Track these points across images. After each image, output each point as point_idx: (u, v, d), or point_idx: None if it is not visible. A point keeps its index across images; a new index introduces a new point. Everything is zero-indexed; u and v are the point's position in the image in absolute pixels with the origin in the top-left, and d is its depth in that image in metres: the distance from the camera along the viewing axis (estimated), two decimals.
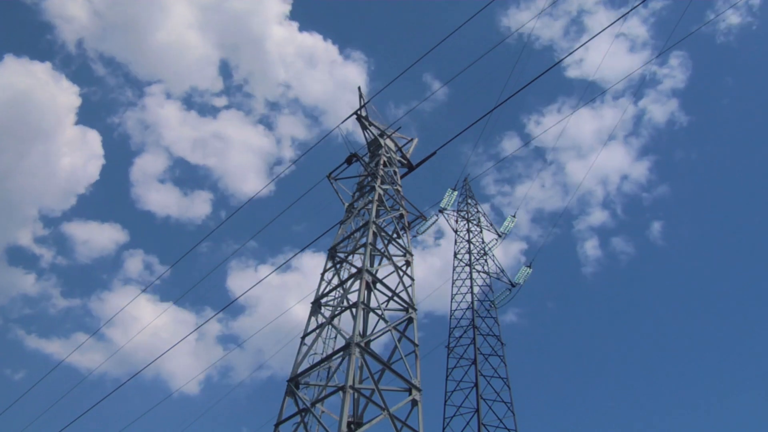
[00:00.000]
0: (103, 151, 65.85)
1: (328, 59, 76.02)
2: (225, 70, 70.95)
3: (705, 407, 57.73)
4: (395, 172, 22.83)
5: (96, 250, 67.16)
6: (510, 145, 74.57)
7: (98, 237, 67.87)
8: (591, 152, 70.90)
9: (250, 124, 74.64)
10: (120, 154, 70.76)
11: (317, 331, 16.04)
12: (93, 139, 65.72)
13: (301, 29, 77.07)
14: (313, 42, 76.19)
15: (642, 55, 68.89)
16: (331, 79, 75.94)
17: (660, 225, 68.98)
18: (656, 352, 63.43)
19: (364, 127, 24.12)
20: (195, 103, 70.93)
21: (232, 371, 62.72)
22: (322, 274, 18.03)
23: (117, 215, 71.44)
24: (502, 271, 35.50)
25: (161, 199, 69.97)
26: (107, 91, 68.72)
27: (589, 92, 71.75)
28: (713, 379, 59.21)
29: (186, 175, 71.80)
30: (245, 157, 73.84)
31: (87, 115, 68.44)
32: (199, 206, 71.92)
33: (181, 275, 69.74)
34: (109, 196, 70.92)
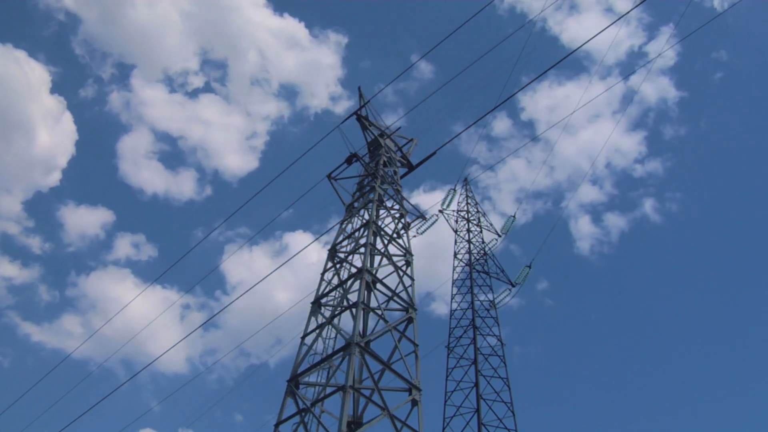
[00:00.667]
0: (76, 127, 65.74)
1: (303, 40, 76.27)
2: (203, 50, 70.86)
3: (709, 396, 57.42)
4: (395, 172, 22.83)
5: (83, 232, 67.34)
6: (502, 125, 74.51)
7: (84, 218, 67.99)
8: (580, 129, 70.56)
9: (229, 104, 74.63)
10: (99, 133, 70.95)
11: (317, 331, 16.04)
12: (67, 119, 65.47)
13: (275, 11, 77.49)
14: (289, 23, 76.57)
15: (629, 28, 68.52)
16: (307, 59, 76.34)
17: (652, 200, 68.90)
18: (657, 338, 63.22)
19: (364, 127, 24.10)
20: (172, 84, 70.78)
21: (216, 353, 63.33)
22: (322, 274, 18.04)
23: (100, 195, 71.18)
24: (502, 271, 35.50)
25: (146, 178, 70.00)
26: (83, 71, 68.65)
27: (579, 67, 71.14)
28: (716, 366, 58.95)
29: (169, 153, 71.87)
30: (225, 135, 74.19)
31: (63, 95, 68.29)
32: (183, 184, 71.95)
33: (169, 256, 70.07)
34: (90, 176, 70.94)
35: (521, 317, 60.74)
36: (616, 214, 70.83)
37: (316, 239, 20.52)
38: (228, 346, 64.18)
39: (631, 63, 66.58)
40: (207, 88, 72.71)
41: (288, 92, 75.94)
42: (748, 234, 64.98)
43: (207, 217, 73.78)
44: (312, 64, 75.85)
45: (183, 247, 72.47)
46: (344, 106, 76.70)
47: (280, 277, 66.81)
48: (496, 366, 28.66)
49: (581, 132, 70.38)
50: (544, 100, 75.37)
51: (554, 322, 66.89)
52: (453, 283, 33.46)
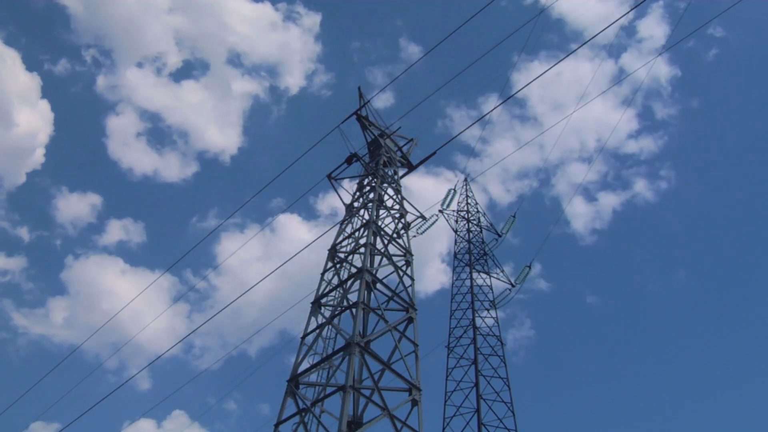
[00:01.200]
0: (52, 106, 65.26)
1: (277, 20, 76.23)
2: (181, 33, 70.70)
3: (706, 380, 57.14)
4: (395, 172, 22.83)
5: (70, 215, 67.15)
6: (493, 103, 73.96)
7: (71, 201, 67.58)
8: (569, 108, 69.78)
9: (209, 84, 74.47)
10: (78, 114, 70.75)
11: (317, 331, 16.04)
12: (44, 106, 64.99)
13: None
14: (263, 6, 76.91)
15: (615, 1, 67.86)
16: (282, 39, 76.46)
17: (645, 178, 68.37)
18: (656, 322, 62.75)
19: (364, 127, 24.11)
20: (152, 65, 70.36)
21: (202, 336, 63.67)
22: (322, 274, 18.04)
23: (85, 177, 70.81)
24: (502, 270, 35.53)
25: (132, 158, 69.62)
26: (60, 51, 68.43)
27: (569, 43, 70.39)
28: (715, 349, 58.56)
29: (152, 134, 71.73)
30: (208, 114, 73.99)
31: (39, 75, 67.84)
32: (169, 164, 71.65)
33: (160, 239, 69.96)
34: (73, 158, 70.73)
35: (514, 300, 60.24)
36: (609, 193, 70.49)
37: (316, 239, 20.50)
38: (212, 329, 64.39)
39: (620, 40, 66.05)
40: (187, 70, 72.51)
41: (266, 71, 75.90)
42: (742, 210, 65.00)
43: (195, 197, 74.05)
44: (287, 43, 76.02)
45: (174, 229, 72.89)
46: (321, 79, 77.33)
47: (261, 260, 66.55)
48: (496, 366, 28.67)
49: (570, 110, 69.69)
50: (535, 77, 74.32)
51: (549, 305, 66.26)
52: (453, 283, 33.50)
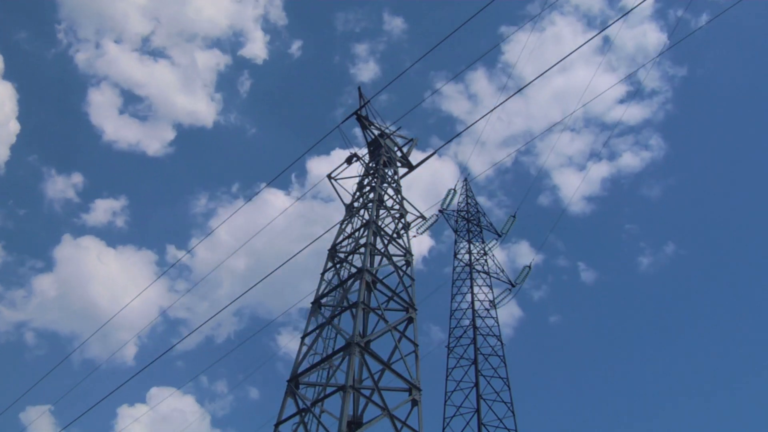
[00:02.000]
0: (19, 89, 64.70)
1: None
2: (148, 10, 70.11)
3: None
4: (395, 172, 22.85)
5: (54, 194, 66.73)
6: (480, 74, 73.55)
7: (54, 179, 67.22)
8: (555, 76, 68.59)
9: (180, 56, 73.97)
10: (48, 90, 70.49)
11: (317, 331, 16.05)
12: (9, 90, 64.00)
13: None
14: None
15: None
16: (246, 9, 76.22)
17: (633, 147, 67.74)
18: (654, 309, 62.10)
19: (364, 127, 24.12)
20: (120, 41, 69.87)
21: (188, 309, 63.75)
22: (322, 274, 18.05)
23: (65, 158, 70.58)
24: (502, 271, 35.54)
25: (111, 132, 69.35)
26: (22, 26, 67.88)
27: (558, 12, 69.43)
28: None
29: (127, 108, 71.31)
30: (181, 88, 73.27)
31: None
32: (148, 139, 71.31)
33: (143, 215, 70.09)
34: (46, 132, 70.30)
35: (503, 279, 59.63)
36: (596, 161, 69.83)
37: (316, 239, 20.51)
38: (190, 305, 64.15)
39: (606, 6, 65.36)
40: (158, 44, 71.90)
41: (234, 42, 75.55)
42: (731, 180, 64.56)
43: (178, 172, 74.19)
44: (245, 13, 75.64)
45: (160, 205, 73.21)
46: (296, 46, 77.71)
47: (241, 234, 66.19)
48: (496, 366, 28.69)
49: (556, 79, 68.38)
50: (522, 46, 73.68)
51: (540, 283, 65.40)
52: (453, 283, 33.51)
